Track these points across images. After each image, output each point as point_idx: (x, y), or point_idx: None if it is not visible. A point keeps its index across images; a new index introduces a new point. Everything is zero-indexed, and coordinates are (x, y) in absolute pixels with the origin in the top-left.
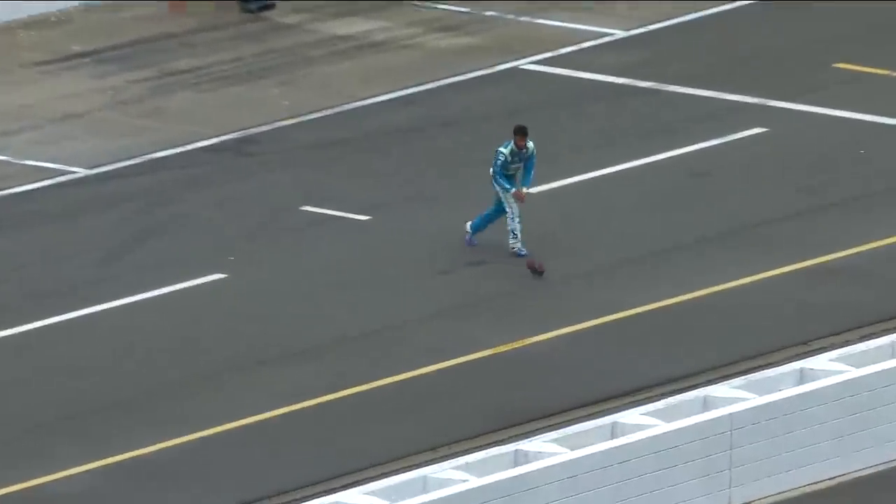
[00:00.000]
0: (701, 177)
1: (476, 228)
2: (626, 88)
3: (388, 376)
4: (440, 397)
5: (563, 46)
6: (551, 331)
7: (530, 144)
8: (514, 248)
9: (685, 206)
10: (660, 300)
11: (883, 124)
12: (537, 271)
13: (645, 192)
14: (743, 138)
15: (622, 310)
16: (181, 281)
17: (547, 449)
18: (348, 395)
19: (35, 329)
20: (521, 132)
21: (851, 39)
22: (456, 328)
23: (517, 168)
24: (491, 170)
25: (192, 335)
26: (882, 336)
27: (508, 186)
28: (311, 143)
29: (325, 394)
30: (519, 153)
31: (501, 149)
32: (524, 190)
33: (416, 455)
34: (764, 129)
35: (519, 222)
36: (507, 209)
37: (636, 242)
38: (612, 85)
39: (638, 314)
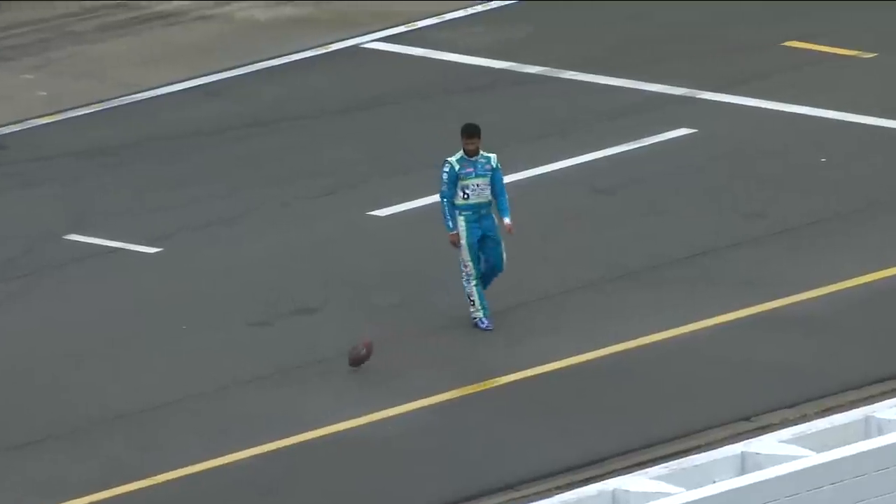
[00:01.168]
0: (608, 194)
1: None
2: (505, 75)
3: (179, 466)
4: (257, 498)
5: (421, 19)
6: (402, 404)
7: (491, 154)
8: (473, 318)
9: (586, 232)
10: (554, 359)
11: (848, 122)
12: (357, 360)
13: (535, 212)
14: (663, 142)
15: (499, 374)
16: None
17: None
18: (129, 493)
19: None
20: (467, 132)
21: (806, 10)
22: (280, 398)
23: (477, 187)
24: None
25: None
26: (850, 409)
27: (449, 223)
28: (79, 148)
29: (96, 491)
30: (472, 163)
31: (449, 158)
32: (507, 220)
33: None
34: (691, 130)
35: (475, 278)
36: (461, 264)
37: (522, 282)
38: (486, 70)
39: (523, 379)
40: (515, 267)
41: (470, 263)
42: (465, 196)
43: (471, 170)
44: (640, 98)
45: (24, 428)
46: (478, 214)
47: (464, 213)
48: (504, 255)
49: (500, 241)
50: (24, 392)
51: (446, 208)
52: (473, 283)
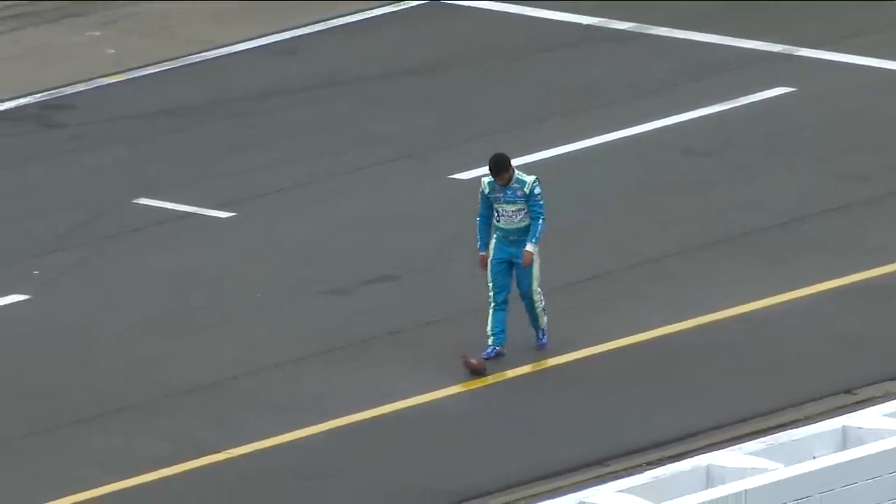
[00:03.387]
0: (701, 156)
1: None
2: (592, 32)
3: (247, 442)
4: (324, 472)
5: None
6: (478, 378)
7: (527, 179)
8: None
9: (678, 196)
10: (641, 331)
11: None
12: (475, 370)
13: (624, 176)
14: (759, 102)
15: (585, 346)
16: None
17: None
18: (195, 469)
19: None
20: (492, 168)
21: None
22: (347, 373)
23: (507, 213)
24: None
25: None
26: None
27: (479, 243)
28: (147, 108)
29: (164, 465)
30: (501, 188)
31: (484, 177)
32: (528, 247)
33: None
34: (789, 89)
35: (492, 301)
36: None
37: (609, 249)
38: (572, 26)
39: (611, 351)
40: (601, 235)
41: (490, 284)
42: (498, 219)
43: (500, 195)
44: (734, 55)
45: (92, 401)
46: (507, 240)
47: (496, 234)
48: (534, 285)
49: (530, 272)
50: (93, 363)
51: (478, 228)
52: (490, 305)
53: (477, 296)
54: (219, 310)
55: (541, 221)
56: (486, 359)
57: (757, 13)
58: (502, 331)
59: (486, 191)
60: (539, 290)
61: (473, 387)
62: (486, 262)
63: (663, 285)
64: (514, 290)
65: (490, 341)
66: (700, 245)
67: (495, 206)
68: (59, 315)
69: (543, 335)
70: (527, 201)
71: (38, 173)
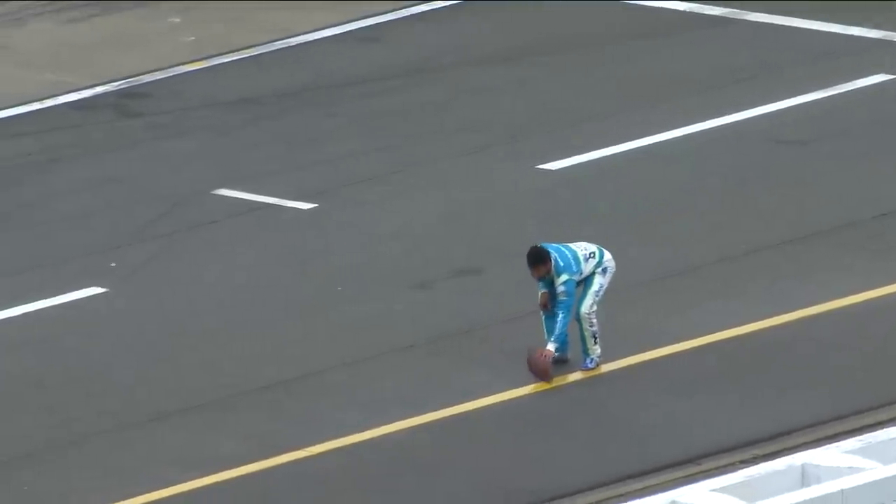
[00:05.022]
0: (796, 146)
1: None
2: (685, 17)
3: (333, 437)
4: (414, 470)
5: None
6: (564, 374)
7: (558, 279)
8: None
9: (772, 188)
10: (733, 326)
11: None
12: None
13: (713, 167)
14: (858, 90)
15: (675, 342)
16: (39, 297)
17: None
18: (281, 465)
19: None
20: (527, 261)
21: None
22: (436, 368)
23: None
24: None
25: (54, 376)
26: None
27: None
28: (226, 97)
29: (244, 463)
30: (549, 282)
31: None
32: (549, 346)
33: None
34: (889, 77)
35: (545, 316)
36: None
37: (700, 243)
38: (665, 12)
39: (699, 347)
40: (692, 228)
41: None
42: (592, 255)
43: (548, 287)
44: (831, 42)
45: (171, 397)
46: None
47: None
48: (584, 306)
49: (587, 291)
50: (171, 359)
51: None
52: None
53: None
54: (300, 304)
55: (562, 316)
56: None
57: None
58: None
59: (539, 286)
60: (592, 314)
61: (561, 384)
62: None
63: (757, 279)
64: None
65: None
66: (795, 238)
67: (585, 266)
68: (137, 309)
69: (591, 361)
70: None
71: (115, 164)
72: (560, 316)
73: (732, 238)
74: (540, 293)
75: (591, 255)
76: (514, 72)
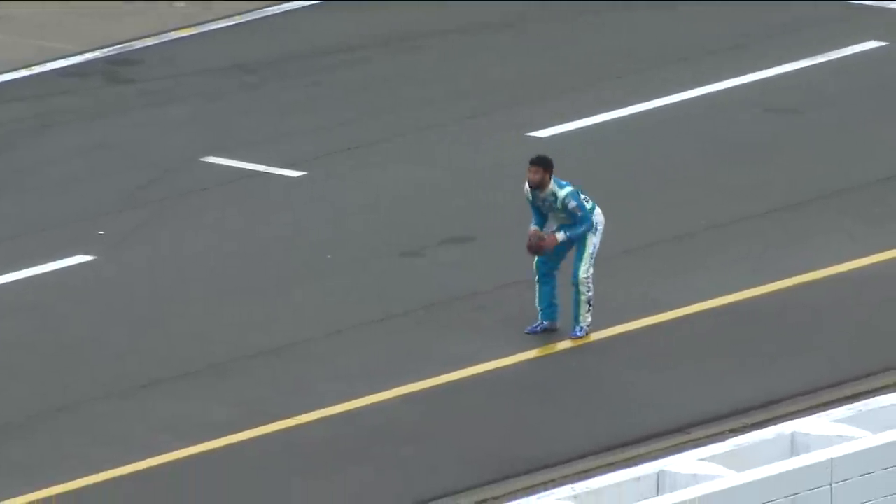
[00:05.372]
0: (786, 114)
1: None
2: None
3: (319, 407)
4: (404, 439)
5: None
6: (555, 342)
7: (559, 193)
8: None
9: (760, 156)
10: (723, 294)
11: None
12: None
13: (702, 135)
14: (848, 57)
15: (665, 310)
16: (28, 265)
17: None
18: (269, 434)
19: None
20: (531, 160)
21: None
22: (424, 337)
23: (561, 217)
24: None
25: (45, 344)
26: None
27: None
28: (217, 64)
29: (234, 431)
30: (539, 197)
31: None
32: (558, 234)
33: None
34: (882, 43)
35: (539, 282)
36: None
37: (688, 211)
38: None
39: (689, 315)
40: (682, 196)
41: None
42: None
43: (541, 203)
44: (822, 8)
45: (161, 365)
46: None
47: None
48: (581, 271)
49: (581, 255)
50: (160, 327)
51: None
52: (535, 279)
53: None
54: (289, 272)
55: (583, 228)
56: (531, 333)
57: None
58: (550, 305)
59: (530, 198)
60: (589, 278)
61: (551, 352)
62: (548, 237)
63: (747, 247)
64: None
65: (539, 316)
66: (786, 206)
67: (543, 212)
68: (125, 277)
69: (581, 329)
70: (568, 213)
71: (105, 130)
72: (581, 228)
73: (723, 206)
74: (531, 229)
75: (587, 200)
76: (503, 38)
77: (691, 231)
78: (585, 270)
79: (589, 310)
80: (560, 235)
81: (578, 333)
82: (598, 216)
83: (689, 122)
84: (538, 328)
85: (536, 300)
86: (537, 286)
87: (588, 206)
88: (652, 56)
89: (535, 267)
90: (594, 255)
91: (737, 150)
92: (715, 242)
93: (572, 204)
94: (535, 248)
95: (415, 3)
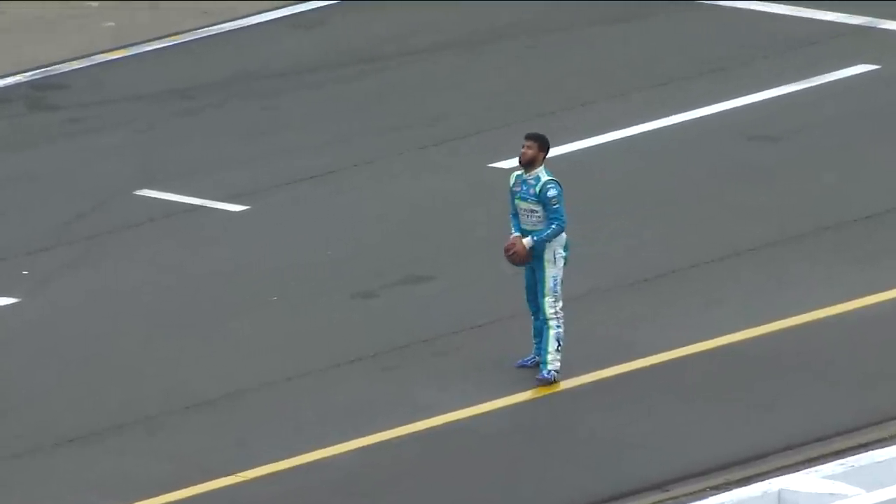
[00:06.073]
0: (772, 141)
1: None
2: (656, 3)
3: (263, 463)
4: (353, 496)
5: None
6: (522, 391)
7: (543, 177)
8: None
9: (748, 187)
10: (708, 338)
11: None
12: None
13: (688, 164)
14: (838, 81)
15: (645, 355)
16: None
17: None
18: (201, 494)
19: None
20: (526, 137)
21: None
22: (376, 385)
23: (523, 211)
24: None
25: None
26: None
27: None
28: (151, 89)
29: (167, 490)
30: (523, 180)
31: (515, 170)
32: (525, 239)
33: None
34: (872, 67)
35: (533, 316)
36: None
37: (673, 246)
38: None
39: (670, 360)
40: (664, 230)
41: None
42: (518, 217)
43: (518, 188)
44: (809, 29)
45: (88, 417)
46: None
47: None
48: (547, 300)
49: (542, 281)
50: (90, 374)
51: (511, 224)
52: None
53: (520, 298)
54: (230, 315)
55: (553, 227)
56: (521, 367)
57: None
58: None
59: (511, 182)
60: (557, 310)
61: (517, 401)
62: (517, 242)
63: (733, 287)
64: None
65: (533, 350)
66: (774, 242)
67: (515, 201)
68: (51, 320)
69: (549, 373)
70: (542, 206)
71: (29, 161)
72: (552, 226)
73: (706, 242)
74: (511, 237)
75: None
76: (463, 61)
77: (675, 268)
78: (552, 305)
79: (558, 348)
80: (528, 241)
81: (545, 375)
82: (559, 247)
83: (667, 152)
84: (528, 362)
85: (533, 331)
86: (533, 319)
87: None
88: (627, 80)
89: (525, 298)
90: (556, 289)
91: (719, 182)
92: (699, 281)
93: (552, 192)
94: (509, 259)
95: (368, 25)
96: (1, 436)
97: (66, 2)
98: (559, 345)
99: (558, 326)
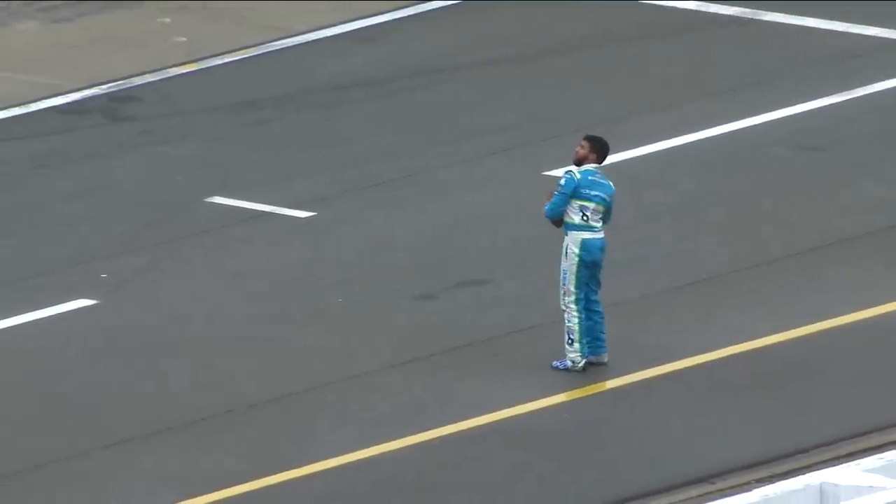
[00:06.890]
0: (814, 152)
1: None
2: (696, 17)
3: (330, 457)
4: (415, 489)
5: None
6: (588, 384)
7: (565, 176)
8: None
9: (790, 196)
10: (751, 339)
11: None
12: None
13: (731, 173)
14: (879, 93)
15: (691, 355)
16: (26, 310)
17: None
18: (272, 486)
19: None
20: (584, 137)
21: None
22: (437, 383)
23: (597, 212)
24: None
25: (44, 393)
26: None
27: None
28: (221, 101)
29: (239, 482)
30: (600, 177)
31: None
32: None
33: None
34: None
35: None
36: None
37: (716, 252)
38: (674, 12)
39: (718, 361)
40: (707, 237)
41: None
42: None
43: (595, 192)
44: (852, 43)
45: (163, 414)
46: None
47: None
48: (560, 291)
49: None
50: (162, 374)
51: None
52: (574, 311)
53: None
54: (298, 316)
55: (547, 206)
56: (564, 368)
57: None
58: (591, 338)
59: (578, 177)
60: (567, 303)
61: (571, 398)
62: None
63: (775, 290)
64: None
65: (578, 355)
66: (815, 248)
67: (581, 202)
68: (128, 321)
69: (560, 363)
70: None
71: (106, 170)
72: (548, 204)
73: (750, 247)
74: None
75: (595, 219)
76: (521, 74)
77: (719, 272)
78: (561, 298)
79: (568, 341)
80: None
81: (557, 365)
82: (572, 243)
83: (715, 161)
84: (584, 364)
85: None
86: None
87: (576, 218)
88: (676, 92)
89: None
90: (565, 283)
91: (765, 191)
92: (742, 285)
93: (560, 180)
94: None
95: (427, 36)
96: (76, 432)
97: (143, 18)
98: (568, 338)
99: (568, 321)
